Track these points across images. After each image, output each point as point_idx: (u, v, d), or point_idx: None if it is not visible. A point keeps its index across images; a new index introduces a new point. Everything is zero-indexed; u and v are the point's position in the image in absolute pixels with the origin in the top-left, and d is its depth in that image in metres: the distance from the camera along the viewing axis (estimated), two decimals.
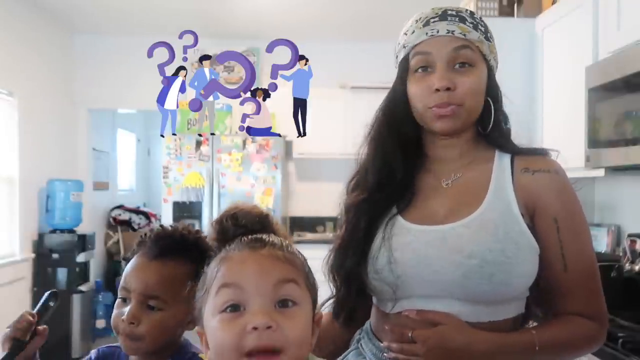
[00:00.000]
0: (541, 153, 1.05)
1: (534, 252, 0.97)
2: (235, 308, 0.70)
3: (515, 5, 2.81)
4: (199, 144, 4.10)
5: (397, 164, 1.05)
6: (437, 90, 0.97)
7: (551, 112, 2.55)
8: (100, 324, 4.70)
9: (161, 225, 1.03)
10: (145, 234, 1.03)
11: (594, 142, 2.01)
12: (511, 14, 2.80)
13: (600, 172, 2.07)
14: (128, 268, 0.98)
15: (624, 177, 2.41)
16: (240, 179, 4.24)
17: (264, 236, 0.76)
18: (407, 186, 1.05)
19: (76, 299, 4.22)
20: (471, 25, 1.00)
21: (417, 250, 0.98)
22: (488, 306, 0.96)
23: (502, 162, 1.04)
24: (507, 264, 0.93)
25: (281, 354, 0.67)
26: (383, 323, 1.03)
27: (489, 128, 1.04)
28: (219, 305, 0.71)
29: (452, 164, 1.06)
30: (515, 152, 1.05)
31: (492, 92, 1.04)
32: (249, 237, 0.76)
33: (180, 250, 0.98)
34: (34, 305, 1.01)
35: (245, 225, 0.79)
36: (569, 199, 1.00)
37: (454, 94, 0.97)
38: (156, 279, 0.95)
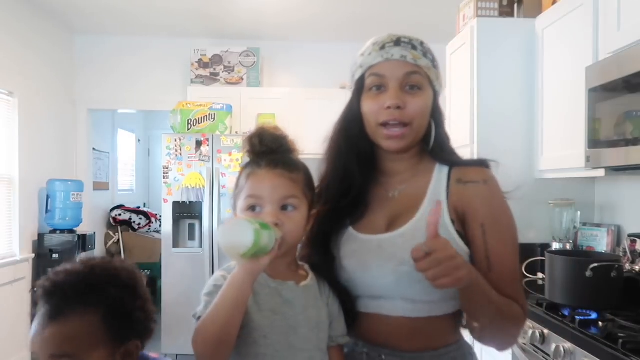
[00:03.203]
0: (478, 164, 1.14)
1: (463, 255, 1.03)
2: (255, 209, 1.01)
3: (515, 5, 2.80)
4: (199, 144, 4.09)
5: (355, 178, 1.14)
6: (389, 107, 1.07)
7: (551, 112, 2.54)
8: None
9: (49, 276, 0.94)
10: (36, 288, 0.95)
11: (594, 142, 2.01)
12: (511, 14, 2.80)
13: (600, 172, 2.07)
14: (32, 332, 0.92)
15: (624, 177, 2.41)
16: None
17: (279, 157, 1.04)
18: (361, 199, 1.15)
19: None
20: (421, 52, 1.10)
21: (360, 258, 1.09)
22: (426, 304, 1.07)
23: (440, 174, 1.14)
24: None
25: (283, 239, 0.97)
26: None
27: (430, 146, 1.14)
28: (245, 206, 1.02)
29: (400, 177, 1.16)
30: (454, 164, 1.14)
31: (436, 114, 1.15)
32: (269, 157, 1.03)
33: (80, 298, 0.91)
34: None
35: (267, 145, 1.05)
36: (497, 206, 1.09)
37: (403, 112, 1.07)
38: (60, 340, 0.89)
